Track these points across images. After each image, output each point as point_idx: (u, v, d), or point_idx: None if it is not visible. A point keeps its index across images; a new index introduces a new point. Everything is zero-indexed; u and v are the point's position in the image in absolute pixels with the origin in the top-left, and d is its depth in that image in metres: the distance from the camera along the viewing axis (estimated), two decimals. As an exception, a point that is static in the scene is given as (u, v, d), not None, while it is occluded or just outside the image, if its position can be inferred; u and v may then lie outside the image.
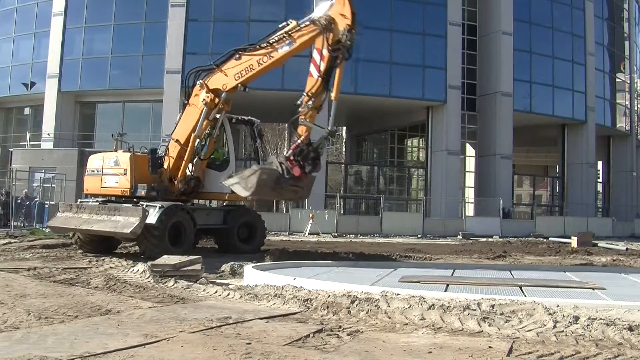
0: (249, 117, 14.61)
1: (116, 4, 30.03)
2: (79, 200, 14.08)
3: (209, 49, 28.76)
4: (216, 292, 7.18)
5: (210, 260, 11.20)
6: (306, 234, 24.90)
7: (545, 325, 5.11)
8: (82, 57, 30.53)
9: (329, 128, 10.82)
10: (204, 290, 7.34)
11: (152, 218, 11.63)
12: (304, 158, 10.58)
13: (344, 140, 45.59)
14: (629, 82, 40.09)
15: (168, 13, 28.86)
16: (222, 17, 29.22)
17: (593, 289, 7.65)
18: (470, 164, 34.04)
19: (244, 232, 14.57)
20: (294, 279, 7.63)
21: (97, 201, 13.11)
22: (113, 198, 13.46)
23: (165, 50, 28.71)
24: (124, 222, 11.47)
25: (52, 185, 24.58)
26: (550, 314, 5.34)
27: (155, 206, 11.97)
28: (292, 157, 10.62)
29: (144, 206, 11.88)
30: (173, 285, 7.66)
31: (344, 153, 44.88)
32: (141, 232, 11.39)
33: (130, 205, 12.26)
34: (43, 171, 26.19)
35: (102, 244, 12.82)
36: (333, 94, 10.55)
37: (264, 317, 5.64)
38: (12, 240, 15.27)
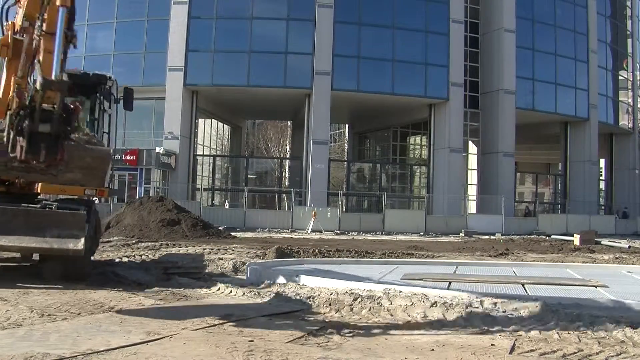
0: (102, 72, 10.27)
1: (118, 1, 30.03)
2: None
3: (211, 46, 28.79)
4: (218, 289, 7.17)
5: (212, 258, 11.22)
6: (309, 232, 24.92)
7: (547, 323, 5.11)
8: (84, 55, 30.44)
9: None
10: (207, 287, 7.34)
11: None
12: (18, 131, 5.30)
13: (347, 137, 45.63)
14: (631, 79, 40.01)
15: (170, 10, 28.86)
16: (224, 14, 29.19)
17: (595, 286, 7.64)
18: (473, 161, 34.02)
19: None
20: (297, 276, 7.63)
21: None
22: None
23: (168, 48, 28.71)
24: (62, 234, 7.23)
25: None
26: (552, 311, 5.33)
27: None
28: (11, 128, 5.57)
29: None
30: (175, 282, 7.67)
31: (346, 151, 44.91)
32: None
33: (53, 209, 7.57)
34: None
35: None
36: None
37: (267, 314, 5.64)
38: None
